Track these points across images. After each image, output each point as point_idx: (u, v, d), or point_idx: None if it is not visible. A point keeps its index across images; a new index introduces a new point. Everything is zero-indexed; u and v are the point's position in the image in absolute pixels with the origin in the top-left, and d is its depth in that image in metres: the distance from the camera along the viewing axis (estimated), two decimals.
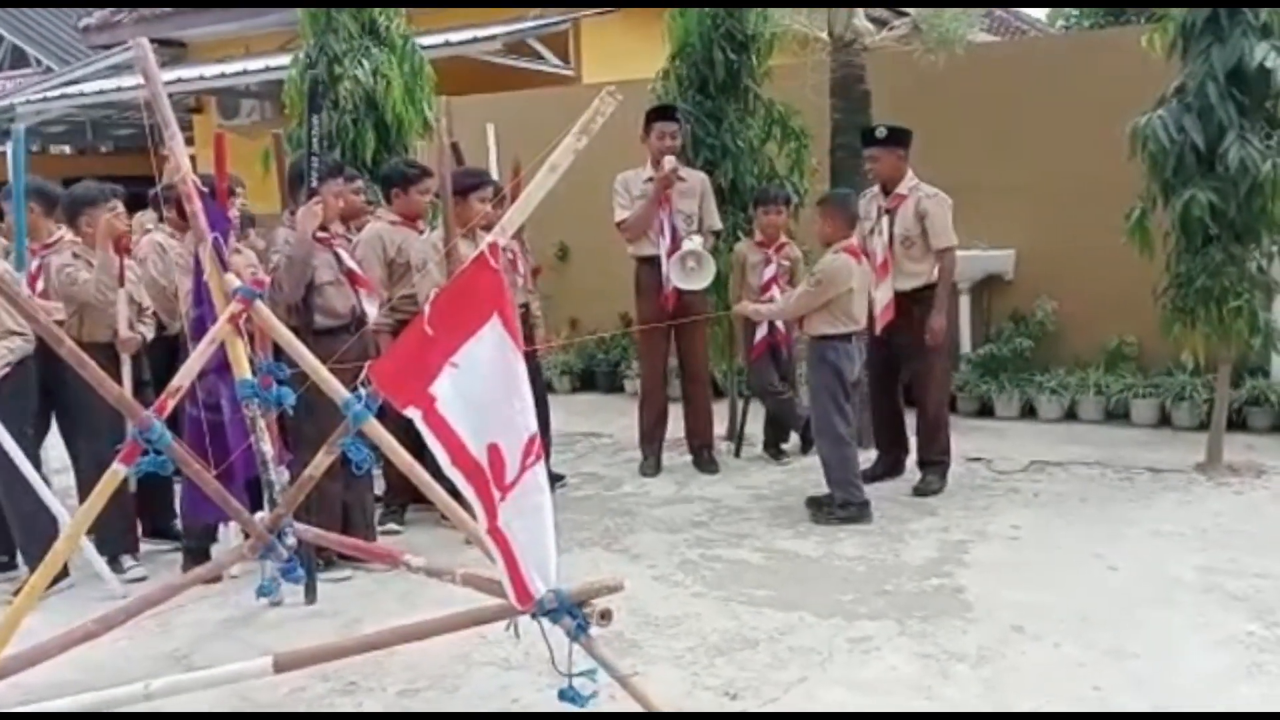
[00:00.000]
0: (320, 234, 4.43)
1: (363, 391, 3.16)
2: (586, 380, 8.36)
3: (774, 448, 6.16)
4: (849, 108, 6.33)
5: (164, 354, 4.84)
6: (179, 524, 4.78)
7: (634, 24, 9.17)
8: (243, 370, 3.55)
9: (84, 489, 4.26)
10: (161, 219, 5.33)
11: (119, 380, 4.31)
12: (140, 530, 4.84)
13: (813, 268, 5.11)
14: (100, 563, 4.40)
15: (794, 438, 6.20)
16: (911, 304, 5.28)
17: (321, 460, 3.41)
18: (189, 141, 10.20)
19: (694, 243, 5.57)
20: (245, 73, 9.71)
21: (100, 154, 14.29)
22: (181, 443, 3.46)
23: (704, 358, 6.05)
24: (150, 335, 4.79)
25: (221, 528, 4.54)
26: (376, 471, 4.83)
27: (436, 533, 4.82)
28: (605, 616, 2.79)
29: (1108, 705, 3.15)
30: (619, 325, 7.63)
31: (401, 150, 6.25)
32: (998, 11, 14.10)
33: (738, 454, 6.21)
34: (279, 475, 3.74)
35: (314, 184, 4.34)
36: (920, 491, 5.30)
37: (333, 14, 6.26)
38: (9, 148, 5.06)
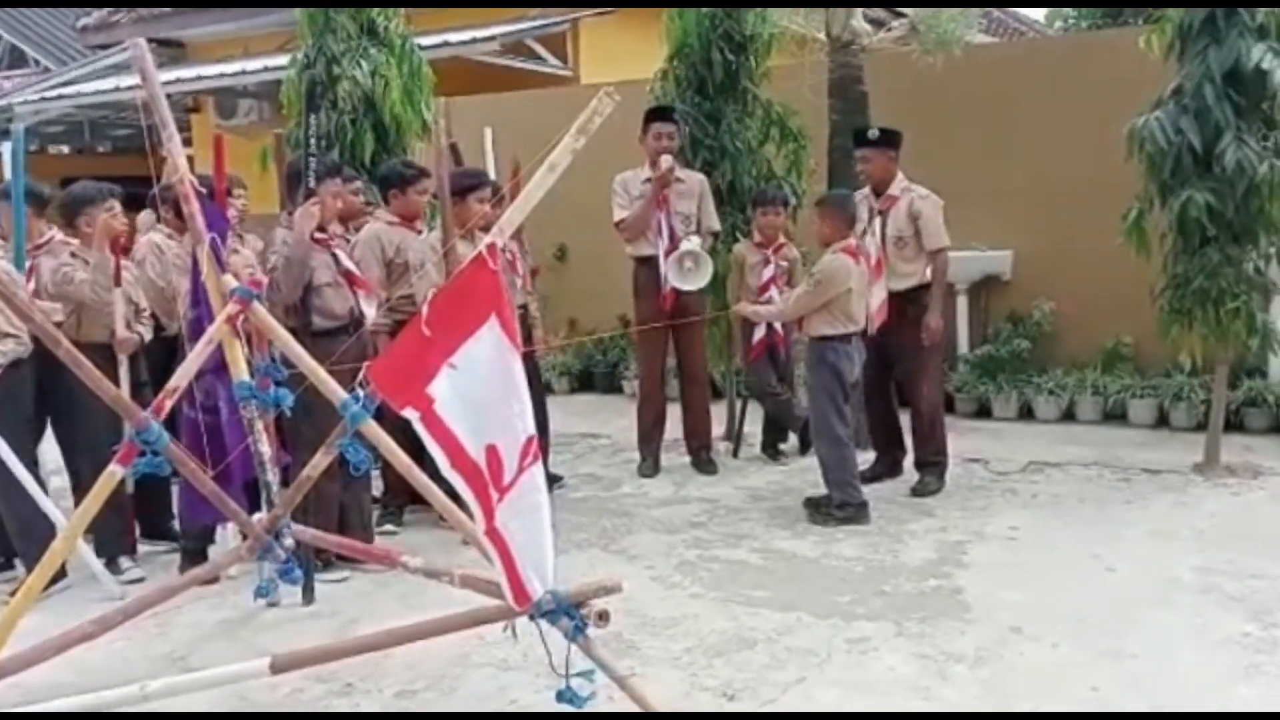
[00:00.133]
0: (318, 235, 4.43)
1: (360, 392, 3.16)
2: (585, 381, 8.36)
3: (772, 448, 6.17)
4: (847, 109, 6.34)
5: (162, 355, 4.83)
6: (176, 525, 4.78)
7: (632, 25, 9.17)
8: (240, 371, 3.55)
9: (81, 492, 4.25)
10: (159, 220, 5.32)
11: (116, 381, 4.30)
12: (138, 532, 4.84)
13: (811, 268, 5.11)
14: (97, 564, 4.40)
15: (792, 438, 6.20)
16: (905, 304, 5.29)
17: (319, 461, 3.41)
18: (187, 142, 10.17)
19: (692, 243, 5.57)
20: (243, 73, 9.71)
21: (98, 154, 14.27)
22: (179, 444, 3.46)
23: (702, 358, 6.05)
24: (148, 336, 4.79)
25: (219, 529, 4.53)
26: (375, 472, 4.84)
27: (434, 534, 4.82)
28: (603, 617, 2.78)
29: (1105, 706, 3.15)
30: (617, 326, 7.63)
31: (400, 151, 6.25)
32: (995, 13, 14.10)
33: (736, 455, 6.21)
34: (275, 476, 3.74)
35: (311, 184, 4.35)
36: (918, 492, 5.31)
37: (331, 14, 6.26)
38: (7, 148, 5.05)
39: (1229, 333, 5.29)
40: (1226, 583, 4.02)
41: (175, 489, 4.54)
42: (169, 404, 3.27)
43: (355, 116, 6.16)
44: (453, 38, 8.88)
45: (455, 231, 4.70)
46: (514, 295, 4.65)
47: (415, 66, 6.48)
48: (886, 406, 5.59)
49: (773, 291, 5.74)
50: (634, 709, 2.88)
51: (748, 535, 4.83)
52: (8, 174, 4.86)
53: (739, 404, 6.35)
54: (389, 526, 5.08)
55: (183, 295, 4.51)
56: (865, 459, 5.46)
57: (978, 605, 3.92)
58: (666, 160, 5.60)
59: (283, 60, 7.20)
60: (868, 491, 5.06)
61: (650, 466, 5.92)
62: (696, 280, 5.58)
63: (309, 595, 4.20)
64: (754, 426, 6.25)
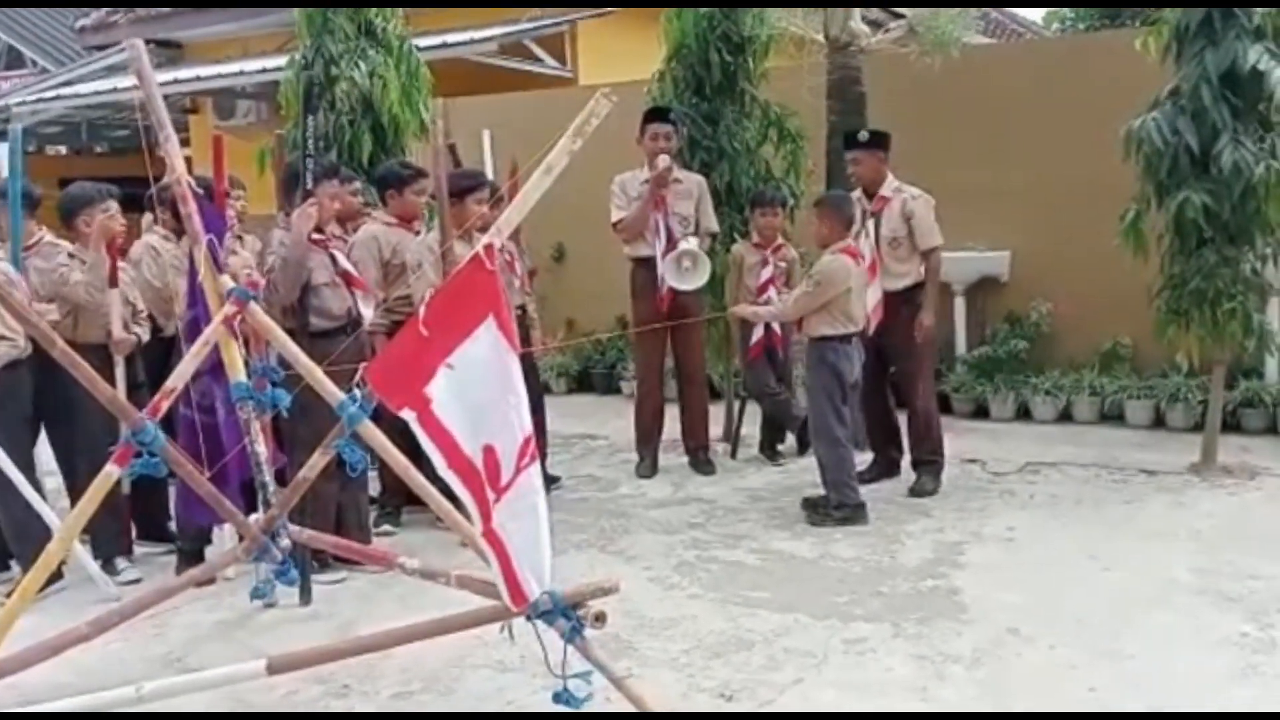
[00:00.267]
0: (316, 235, 4.43)
1: (357, 393, 3.16)
2: (583, 381, 8.36)
3: (770, 449, 6.17)
4: (845, 110, 6.35)
5: (159, 355, 4.83)
6: (173, 526, 4.77)
7: (631, 26, 9.17)
8: (237, 372, 3.54)
9: (77, 493, 4.25)
10: (156, 221, 5.32)
11: (112, 382, 4.30)
12: (134, 533, 4.84)
13: (811, 269, 5.12)
14: (94, 566, 4.39)
15: (790, 439, 6.21)
16: (900, 304, 5.31)
17: (316, 461, 3.41)
18: (185, 142, 10.15)
19: (690, 243, 5.58)
20: (241, 74, 9.70)
21: (96, 155, 14.26)
22: (175, 445, 3.46)
23: (700, 359, 6.05)
24: (145, 336, 4.78)
25: (216, 530, 4.53)
26: (372, 473, 4.83)
27: (432, 534, 4.82)
28: (600, 618, 2.78)
29: (1103, 706, 3.15)
30: (615, 326, 7.63)
31: (398, 152, 6.25)
32: (993, 14, 14.12)
33: (734, 455, 6.21)
34: (272, 477, 3.74)
35: (309, 185, 4.34)
36: (915, 492, 5.31)
37: (329, 15, 6.26)
38: (4, 149, 5.04)
39: (1225, 333, 5.30)
40: (1224, 583, 4.03)
41: (172, 490, 4.53)
42: (165, 405, 3.26)
43: (353, 117, 6.17)
44: (451, 38, 8.88)
45: (453, 232, 4.70)
46: (512, 296, 4.65)
47: (413, 67, 6.48)
48: (884, 407, 5.60)
49: (771, 292, 5.74)
50: (632, 710, 2.88)
51: (746, 536, 4.83)
52: (4, 174, 4.84)
53: (737, 404, 6.35)
54: (386, 527, 5.08)
55: (180, 296, 4.50)
56: (863, 459, 5.46)
57: (975, 606, 3.92)
58: (663, 160, 5.60)
59: (281, 61, 7.20)
60: (865, 492, 5.06)
61: (648, 467, 5.92)
62: (694, 280, 5.58)
63: (306, 596, 4.19)
64: (752, 427, 6.25)
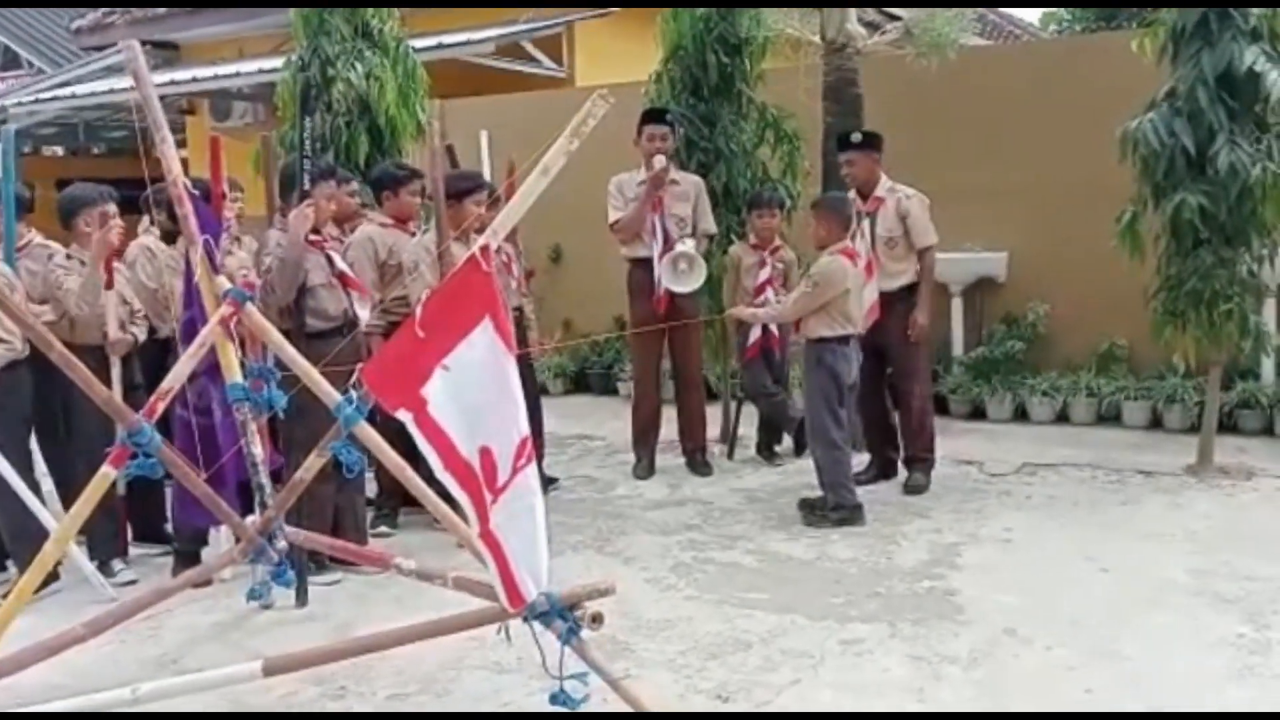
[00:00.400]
0: (312, 236, 4.42)
1: (354, 394, 3.15)
2: (580, 382, 8.36)
3: (767, 450, 6.17)
4: (841, 111, 6.35)
5: (155, 357, 4.82)
6: (169, 528, 4.77)
7: (627, 27, 9.17)
8: (233, 373, 3.54)
9: (74, 496, 4.24)
10: (152, 222, 5.31)
11: (109, 383, 4.29)
12: (130, 534, 4.83)
13: (809, 270, 5.12)
14: (89, 567, 4.39)
15: (787, 440, 6.21)
16: (896, 303, 5.34)
17: (312, 463, 3.40)
18: (181, 144, 10.16)
19: (685, 245, 5.58)
20: (238, 75, 9.69)
21: (93, 156, 14.26)
22: (172, 446, 3.45)
23: (698, 360, 6.05)
24: (142, 336, 4.78)
25: (212, 531, 4.52)
26: (369, 475, 4.83)
27: (428, 536, 4.81)
28: (597, 620, 2.78)
29: (1099, 707, 3.16)
30: (613, 327, 7.63)
31: (395, 153, 6.25)
32: (990, 16, 14.14)
33: (731, 456, 6.21)
34: (268, 478, 3.73)
35: (306, 187, 4.34)
36: (909, 489, 5.35)
37: (325, 17, 6.26)
38: None
39: (1222, 335, 5.30)
40: (1220, 584, 4.03)
41: (169, 491, 4.52)
42: (162, 406, 3.26)
43: (350, 119, 6.17)
44: (447, 40, 8.87)
45: (450, 233, 4.70)
46: (509, 297, 4.65)
47: (410, 69, 6.48)
48: (881, 409, 5.61)
49: (768, 293, 5.75)
50: (628, 711, 2.88)
51: (743, 537, 4.83)
52: None
53: (734, 405, 6.35)
54: (383, 529, 5.07)
55: (176, 297, 4.50)
56: (860, 461, 5.46)
57: (972, 607, 3.92)
58: (660, 161, 5.60)
59: (277, 63, 7.20)
60: (862, 493, 5.06)
61: (645, 468, 5.92)
62: (690, 283, 5.59)
63: (302, 598, 4.19)
64: (749, 428, 6.25)
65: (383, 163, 5.80)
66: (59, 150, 14.65)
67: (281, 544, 3.64)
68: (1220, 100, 5.08)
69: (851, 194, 5.44)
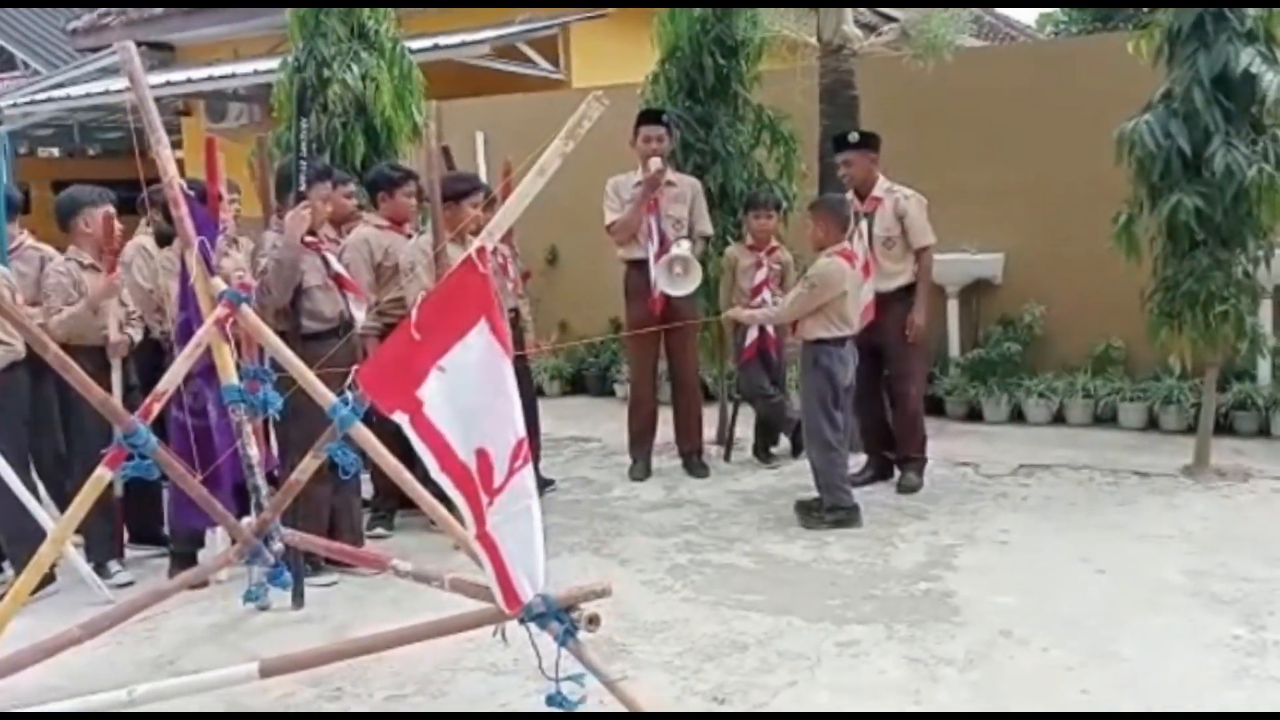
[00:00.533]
0: (308, 238, 4.42)
1: (349, 396, 3.15)
2: (576, 384, 8.36)
3: (764, 451, 6.17)
4: (838, 113, 6.35)
5: (151, 358, 4.82)
6: (166, 529, 4.76)
7: (624, 28, 9.17)
8: (229, 375, 3.53)
9: (69, 498, 4.23)
10: (149, 223, 5.30)
11: (109, 385, 4.29)
12: (127, 536, 4.82)
13: (806, 272, 5.12)
14: (86, 568, 4.38)
15: (784, 441, 6.21)
16: (893, 303, 5.35)
17: (308, 464, 3.40)
18: (177, 145, 10.16)
19: (681, 248, 5.57)
20: (234, 76, 9.68)
21: (89, 157, 14.24)
22: (167, 448, 3.45)
23: (694, 362, 6.05)
24: (139, 337, 4.77)
25: (209, 533, 4.52)
26: (365, 476, 4.82)
27: (425, 537, 4.81)
28: (593, 621, 2.78)
29: (1096, 708, 3.16)
30: (609, 329, 7.63)
31: (392, 155, 6.24)
32: (986, 17, 14.16)
33: (727, 458, 6.21)
34: (264, 480, 3.73)
35: (302, 188, 4.33)
36: (902, 488, 5.36)
37: (321, 18, 6.25)
38: None
39: (1218, 336, 5.31)
40: (1216, 585, 4.04)
41: (165, 493, 4.52)
42: (157, 408, 3.26)
43: (346, 120, 6.16)
44: (443, 41, 8.87)
45: (447, 235, 4.70)
46: (505, 299, 4.65)
47: (406, 70, 6.47)
48: (879, 410, 5.61)
49: (765, 294, 5.75)
50: (625, 712, 2.87)
51: (739, 539, 4.83)
52: None
53: (730, 407, 6.35)
54: (380, 530, 5.07)
55: (172, 298, 4.49)
56: (856, 462, 5.47)
57: (968, 608, 3.92)
58: (655, 162, 5.60)
59: (273, 64, 7.19)
60: (859, 495, 5.06)
61: (641, 470, 5.92)
62: (685, 285, 5.58)
63: (299, 599, 4.18)
64: (746, 429, 6.25)
65: (379, 164, 5.79)
66: (55, 152, 14.62)
67: (278, 545, 3.65)
68: (1216, 101, 5.08)
69: (849, 194, 5.45)
